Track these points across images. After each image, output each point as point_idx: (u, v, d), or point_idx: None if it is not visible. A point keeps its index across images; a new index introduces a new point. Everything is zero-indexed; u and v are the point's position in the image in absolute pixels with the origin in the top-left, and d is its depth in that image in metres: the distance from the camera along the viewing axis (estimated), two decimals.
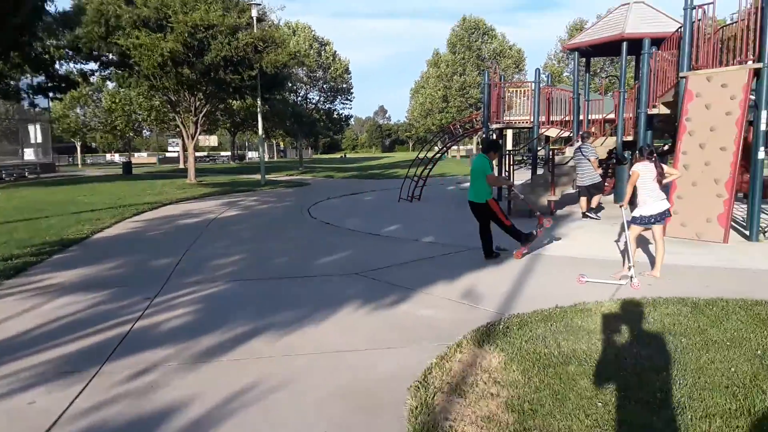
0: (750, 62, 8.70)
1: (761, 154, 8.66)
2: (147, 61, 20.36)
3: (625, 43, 13.20)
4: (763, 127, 8.59)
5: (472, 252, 8.35)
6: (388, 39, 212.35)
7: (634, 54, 14.39)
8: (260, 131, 27.33)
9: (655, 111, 11.27)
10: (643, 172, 6.43)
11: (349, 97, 48.17)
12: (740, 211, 10.48)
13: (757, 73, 8.63)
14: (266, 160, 43.90)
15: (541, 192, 12.54)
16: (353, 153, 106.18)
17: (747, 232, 8.94)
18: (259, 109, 25.97)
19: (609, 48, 14.54)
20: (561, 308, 5.22)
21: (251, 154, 77.27)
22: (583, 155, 11.15)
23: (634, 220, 6.54)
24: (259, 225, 11.79)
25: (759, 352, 4.00)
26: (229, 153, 67.80)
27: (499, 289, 6.16)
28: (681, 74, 9.64)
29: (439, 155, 16.45)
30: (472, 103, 46.56)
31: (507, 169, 13.49)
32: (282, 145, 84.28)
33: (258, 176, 26.63)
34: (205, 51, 21.09)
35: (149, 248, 8.87)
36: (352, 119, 59.45)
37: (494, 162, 7.50)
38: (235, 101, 34.03)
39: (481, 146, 8.63)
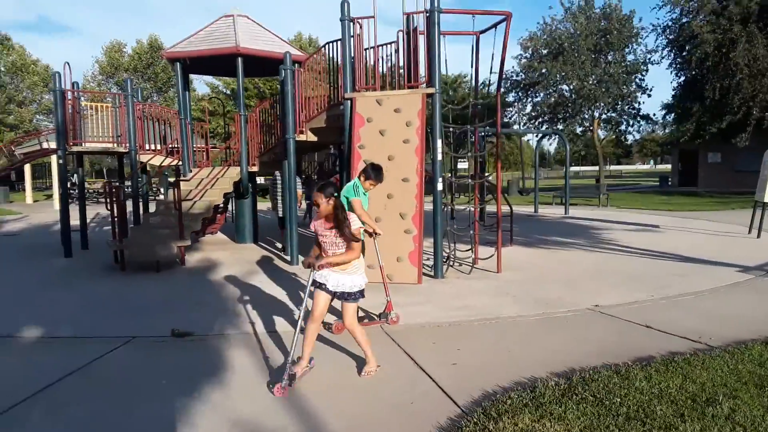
0: (423, 86, 8.09)
1: (440, 186, 8.11)
2: None
3: (240, 58, 11.37)
4: (439, 157, 8.06)
5: (136, 345, 4.95)
6: None
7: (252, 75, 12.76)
8: None
9: (302, 137, 9.76)
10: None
11: None
12: None
13: (429, 99, 8.08)
14: None
15: (164, 236, 9.35)
16: None
17: (429, 270, 8.27)
18: None
19: (216, 62, 12.44)
20: None
21: None
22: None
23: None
24: None
25: None
26: None
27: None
28: (346, 95, 8.38)
29: None
30: None
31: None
32: None
33: None
34: None
35: None
36: None
37: None
38: None
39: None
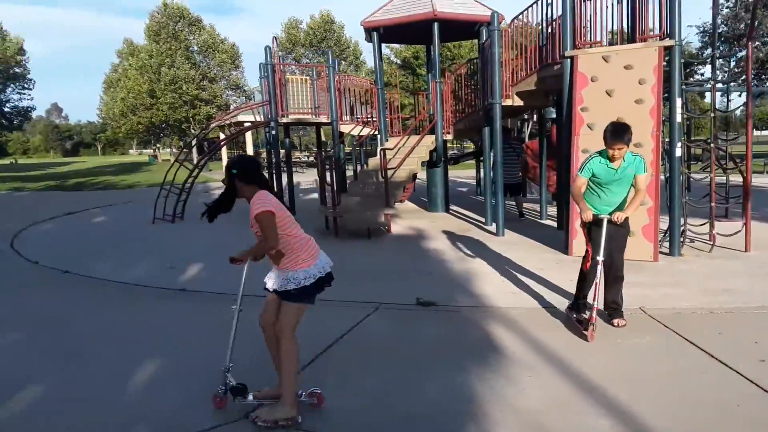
0: (660, 39, 7.18)
1: (678, 152, 7.22)
2: None
3: (436, 24, 11.12)
4: (678, 119, 7.15)
5: (384, 313, 4.95)
6: (55, 30, 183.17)
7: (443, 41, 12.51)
8: None
9: (507, 102, 9.29)
10: None
11: (27, 85, 37.70)
12: None
13: (667, 52, 7.15)
14: None
15: (374, 204, 9.54)
16: (26, 158, 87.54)
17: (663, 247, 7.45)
18: None
19: (409, 30, 12.29)
20: None
21: None
22: (515, 151, 10.46)
23: None
24: None
25: None
26: None
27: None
28: (567, 53, 7.72)
29: (205, 160, 12.24)
30: (187, 100, 40.99)
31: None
32: None
33: None
34: None
35: None
36: (34, 112, 47.54)
37: None
38: None
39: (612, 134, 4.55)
